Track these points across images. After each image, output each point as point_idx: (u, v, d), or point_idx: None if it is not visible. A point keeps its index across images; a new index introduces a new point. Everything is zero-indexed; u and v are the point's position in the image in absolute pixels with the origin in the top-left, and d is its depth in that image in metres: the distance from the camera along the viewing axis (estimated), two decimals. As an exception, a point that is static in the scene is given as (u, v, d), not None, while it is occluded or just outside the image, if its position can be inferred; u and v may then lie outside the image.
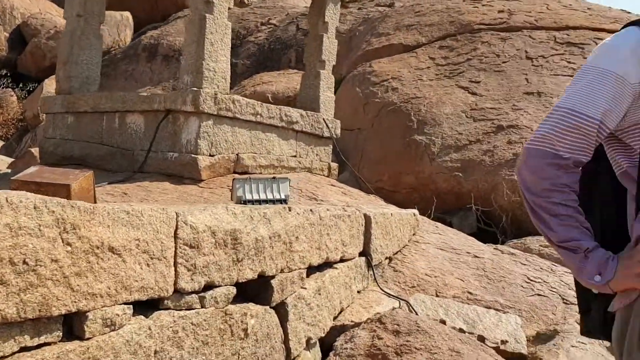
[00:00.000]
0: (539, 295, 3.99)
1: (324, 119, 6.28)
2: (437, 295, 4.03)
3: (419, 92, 7.46)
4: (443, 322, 3.60)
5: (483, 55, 7.61)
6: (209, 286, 2.28)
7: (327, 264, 3.35)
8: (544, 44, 7.50)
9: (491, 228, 6.14)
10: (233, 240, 2.36)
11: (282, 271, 2.79)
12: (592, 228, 1.39)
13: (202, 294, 2.24)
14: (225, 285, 2.35)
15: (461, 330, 3.54)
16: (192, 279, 2.17)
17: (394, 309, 3.56)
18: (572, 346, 3.39)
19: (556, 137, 1.35)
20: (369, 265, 3.86)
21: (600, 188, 1.44)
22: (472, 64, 7.57)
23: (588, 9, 8.49)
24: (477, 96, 7.11)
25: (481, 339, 3.51)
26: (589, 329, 1.45)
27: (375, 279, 3.89)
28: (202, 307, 2.23)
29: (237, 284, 2.47)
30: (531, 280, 4.21)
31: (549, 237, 1.36)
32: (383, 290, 3.83)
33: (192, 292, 2.20)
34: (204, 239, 2.21)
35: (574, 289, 1.51)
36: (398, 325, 3.30)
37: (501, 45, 7.65)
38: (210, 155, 4.97)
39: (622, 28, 1.40)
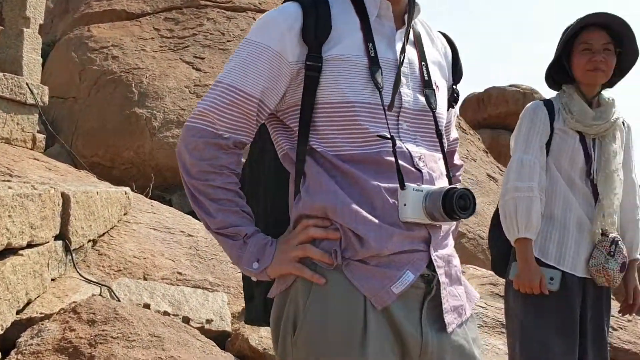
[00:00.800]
0: (246, 272, 4.07)
1: (27, 84, 5.55)
2: (145, 278, 3.85)
3: (142, 63, 7.10)
4: (147, 306, 3.44)
5: (208, 32, 7.55)
6: None
7: (9, 251, 2.92)
8: (267, 27, 7.73)
9: (210, 206, 6.14)
10: None
11: (-61, 263, 2.32)
12: (257, 211, 1.35)
13: None
14: None
15: (166, 313, 3.43)
16: None
17: (93, 296, 3.28)
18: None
19: (215, 115, 1.26)
20: (68, 249, 3.50)
21: (266, 170, 1.40)
22: (197, 40, 7.46)
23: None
24: (201, 72, 7.03)
25: (186, 320, 3.44)
26: (252, 317, 1.42)
27: (74, 264, 3.54)
28: None
29: None
30: (241, 257, 4.28)
31: (207, 224, 1.28)
32: (83, 277, 3.51)
33: None
34: None
35: None
36: (94, 314, 3.04)
37: (226, 24, 7.67)
38: None
39: (284, 2, 1.35)
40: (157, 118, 6.53)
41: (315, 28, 1.27)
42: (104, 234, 4.08)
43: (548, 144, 2.20)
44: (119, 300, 3.37)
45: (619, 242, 2.16)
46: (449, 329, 1.25)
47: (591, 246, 2.17)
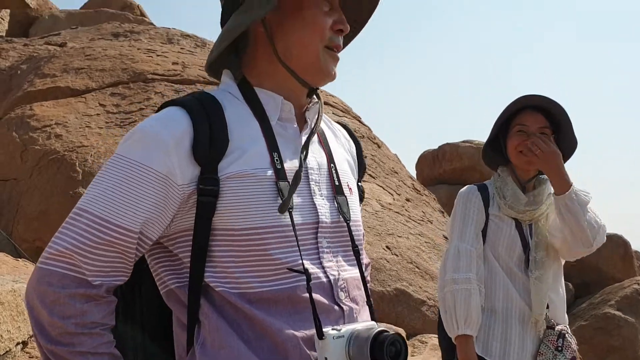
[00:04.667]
0: None
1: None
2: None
3: (87, 141, 6.91)
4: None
5: (156, 106, 7.44)
6: None
7: None
8: (216, 98, 7.66)
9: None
10: None
11: None
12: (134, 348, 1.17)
13: None
14: None
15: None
16: None
17: (17, 409, 2.99)
18: None
19: (81, 257, 1.01)
20: (-9, 356, 3.22)
21: (145, 300, 1.16)
22: (144, 114, 7.33)
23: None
24: (149, 148, 6.88)
25: None
26: None
27: (-1, 372, 3.26)
28: None
29: None
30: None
31: None
32: (8, 386, 3.22)
33: None
34: None
35: None
36: None
37: (175, 97, 7.59)
38: None
39: (161, 108, 1.12)
40: (103, 197, 6.31)
41: (210, 143, 1.04)
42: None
43: (485, 231, 2.10)
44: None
45: (567, 335, 2.04)
46: None
47: (537, 339, 2.05)
